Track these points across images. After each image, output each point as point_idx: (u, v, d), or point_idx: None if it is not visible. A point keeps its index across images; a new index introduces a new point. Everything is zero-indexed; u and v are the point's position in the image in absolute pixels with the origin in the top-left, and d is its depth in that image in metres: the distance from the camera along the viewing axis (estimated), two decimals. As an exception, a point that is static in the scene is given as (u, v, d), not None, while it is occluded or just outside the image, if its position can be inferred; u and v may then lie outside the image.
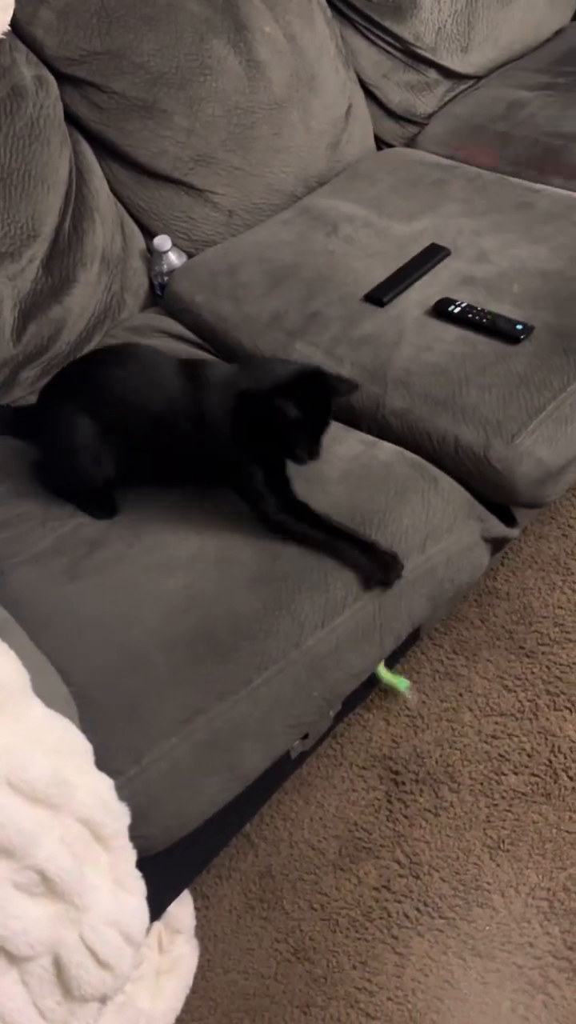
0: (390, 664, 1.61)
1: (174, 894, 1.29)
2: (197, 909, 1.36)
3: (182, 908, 1.32)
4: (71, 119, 1.62)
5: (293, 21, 1.78)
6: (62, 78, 1.59)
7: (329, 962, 1.30)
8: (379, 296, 1.52)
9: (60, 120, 1.58)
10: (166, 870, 1.23)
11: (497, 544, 1.41)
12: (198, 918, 1.36)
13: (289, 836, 1.44)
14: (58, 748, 0.88)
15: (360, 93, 1.95)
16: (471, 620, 1.68)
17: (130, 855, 0.96)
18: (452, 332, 1.45)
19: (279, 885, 1.39)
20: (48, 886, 0.85)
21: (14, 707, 0.85)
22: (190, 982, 1.27)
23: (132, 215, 1.70)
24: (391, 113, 2.01)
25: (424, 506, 1.29)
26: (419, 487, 1.30)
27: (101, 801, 0.91)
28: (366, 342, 1.46)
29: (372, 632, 1.23)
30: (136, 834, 0.98)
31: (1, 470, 1.39)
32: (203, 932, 1.35)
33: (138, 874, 0.97)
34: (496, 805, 1.43)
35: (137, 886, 0.97)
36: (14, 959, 0.85)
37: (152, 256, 1.70)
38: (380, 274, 1.57)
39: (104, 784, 0.93)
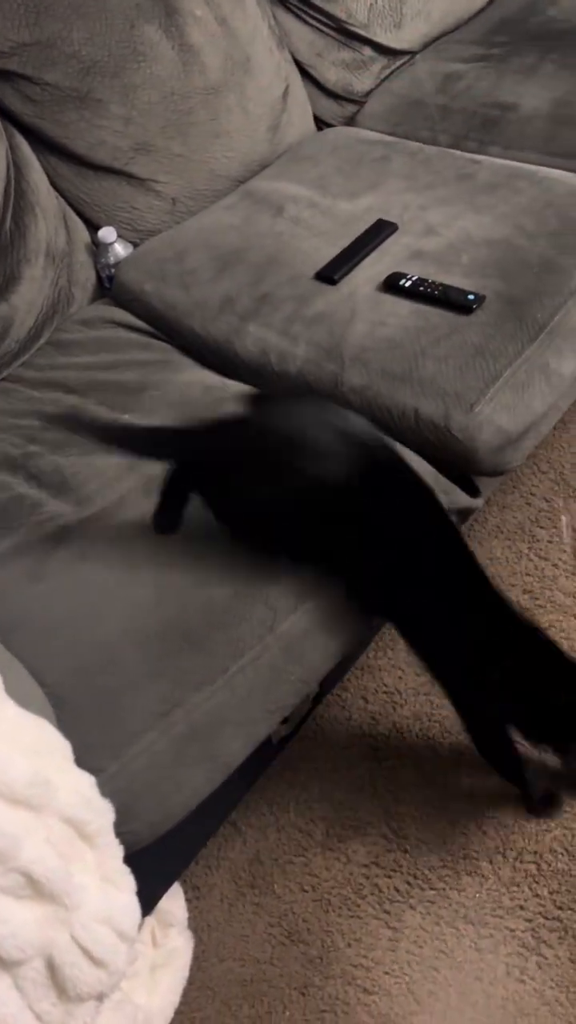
0: (366, 642, 1.61)
1: (164, 888, 1.28)
2: (188, 900, 1.36)
3: (173, 901, 1.31)
4: (5, 113, 1.59)
5: (223, 4, 1.76)
6: (-8, 72, 1.56)
7: (324, 942, 1.30)
8: (330, 274, 1.51)
9: (-8, 115, 1.55)
10: (154, 864, 1.22)
11: (462, 515, 1.42)
12: (190, 909, 1.35)
13: (276, 821, 1.44)
14: (36, 748, 0.87)
15: (296, 74, 1.93)
16: (442, 593, 1.68)
17: (116, 851, 0.95)
18: (405, 306, 1.45)
19: (269, 870, 1.38)
20: (35, 888, 0.84)
21: (-12, 710, 0.83)
22: (186, 974, 1.27)
23: (75, 208, 1.68)
24: (329, 92, 2.00)
25: (388, 482, 1.29)
26: (381, 463, 1.30)
27: (83, 799, 0.90)
28: (319, 320, 1.45)
29: (347, 610, 1.22)
30: (121, 830, 0.97)
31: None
32: (196, 923, 1.34)
33: (126, 870, 0.97)
34: (478, 774, 1.44)
35: (126, 882, 0.96)
36: (5, 964, 0.84)
37: (98, 248, 1.68)
38: (329, 253, 1.56)
39: (86, 781, 0.92)
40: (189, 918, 1.33)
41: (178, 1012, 1.24)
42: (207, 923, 1.35)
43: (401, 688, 1.56)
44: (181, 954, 1.27)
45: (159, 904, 1.27)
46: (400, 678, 1.58)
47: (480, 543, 1.75)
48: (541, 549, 1.74)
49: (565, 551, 1.70)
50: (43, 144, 1.63)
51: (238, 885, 1.38)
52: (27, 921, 0.84)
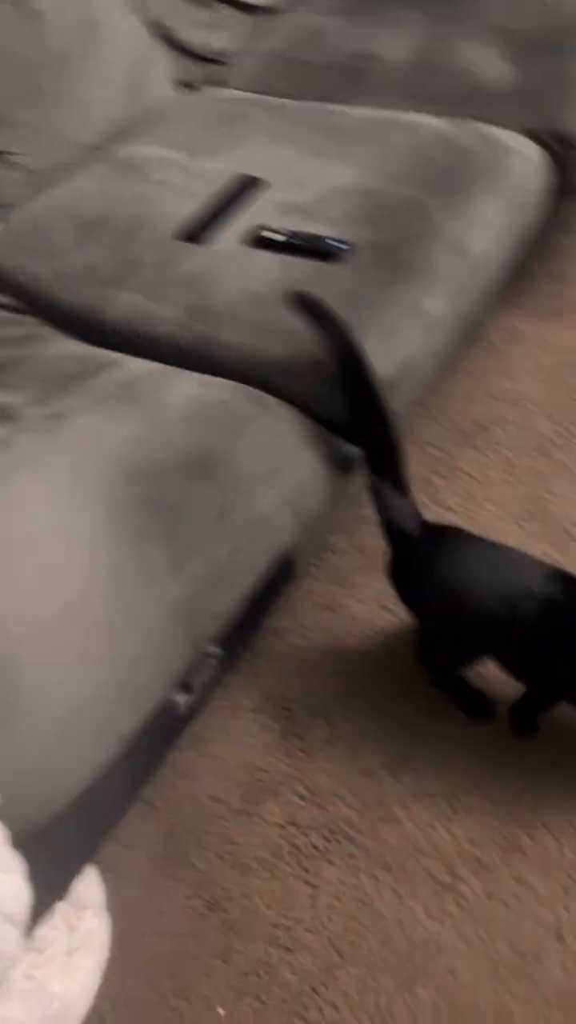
0: (268, 606, 1.59)
1: (76, 870, 1.25)
2: (104, 880, 1.32)
3: (86, 883, 1.28)
4: None
5: (68, -36, 1.70)
6: None
7: (244, 907, 1.29)
8: (195, 233, 1.48)
9: None
10: (62, 847, 1.19)
11: (345, 466, 1.40)
12: (107, 890, 1.31)
13: (190, 793, 1.41)
14: None
15: (153, 36, 1.89)
16: (344, 550, 1.68)
17: (2, 834, 0.92)
18: (273, 260, 1.43)
19: (185, 843, 1.36)
20: None
21: None
22: (105, 955, 1.23)
23: None
24: (189, 53, 1.96)
25: (267, 438, 1.27)
26: (258, 420, 1.28)
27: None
28: (187, 281, 1.42)
29: (229, 570, 1.20)
30: (10, 813, 0.93)
31: None
32: (113, 903, 1.31)
33: (12, 853, 0.93)
34: (386, 723, 1.43)
35: (12, 864, 0.93)
36: None
37: (-45, 229, 1.61)
38: (195, 213, 1.53)
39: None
40: (106, 898, 1.30)
41: (99, 994, 1.20)
42: (124, 902, 1.32)
43: (307, 646, 1.55)
44: (97, 936, 1.23)
45: (71, 889, 1.23)
46: (306, 637, 1.56)
47: (379, 496, 1.74)
48: (440, 497, 1.74)
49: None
50: None
51: (154, 861, 1.35)
52: None
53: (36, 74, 1.65)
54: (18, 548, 1.15)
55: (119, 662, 1.09)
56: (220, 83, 1.95)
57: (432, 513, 1.70)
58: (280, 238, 1.43)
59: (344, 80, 1.85)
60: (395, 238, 1.42)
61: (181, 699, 1.40)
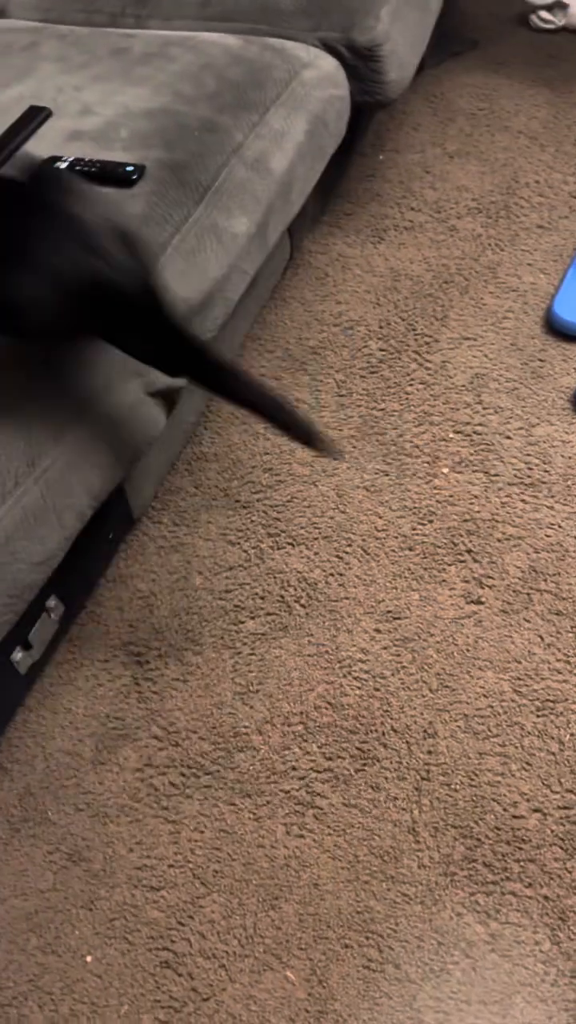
0: (107, 553, 1.55)
1: None
2: (-40, 852, 1.28)
3: None
4: None
5: None
6: None
7: (105, 854, 1.26)
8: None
9: None
10: None
11: (168, 397, 1.36)
12: (-36, 860, 1.28)
13: (42, 751, 1.37)
14: None
15: None
16: (185, 489, 1.65)
17: None
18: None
19: (40, 800, 1.33)
20: None
21: None
22: (-36, 923, 1.20)
23: None
24: (-32, -16, 1.84)
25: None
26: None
27: None
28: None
29: (46, 514, 1.15)
30: None
31: None
32: (-29, 872, 1.27)
33: None
34: (239, 653, 1.42)
35: None
36: None
37: None
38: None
39: None
40: (-36, 869, 1.26)
41: (-37, 964, 1.17)
42: (-17, 869, 1.28)
43: (155, 590, 1.52)
44: (-48, 906, 1.19)
45: None
46: (154, 580, 1.53)
47: (218, 433, 1.72)
48: (276, 425, 1.72)
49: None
50: None
51: (11, 822, 1.31)
52: None
53: None
54: None
55: None
56: (3, 13, 1.84)
57: (271, 443, 1.69)
58: (68, 166, 1.37)
59: (134, 3, 1.77)
60: (188, 157, 1.37)
61: (21, 657, 1.35)
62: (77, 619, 1.50)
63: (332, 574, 1.49)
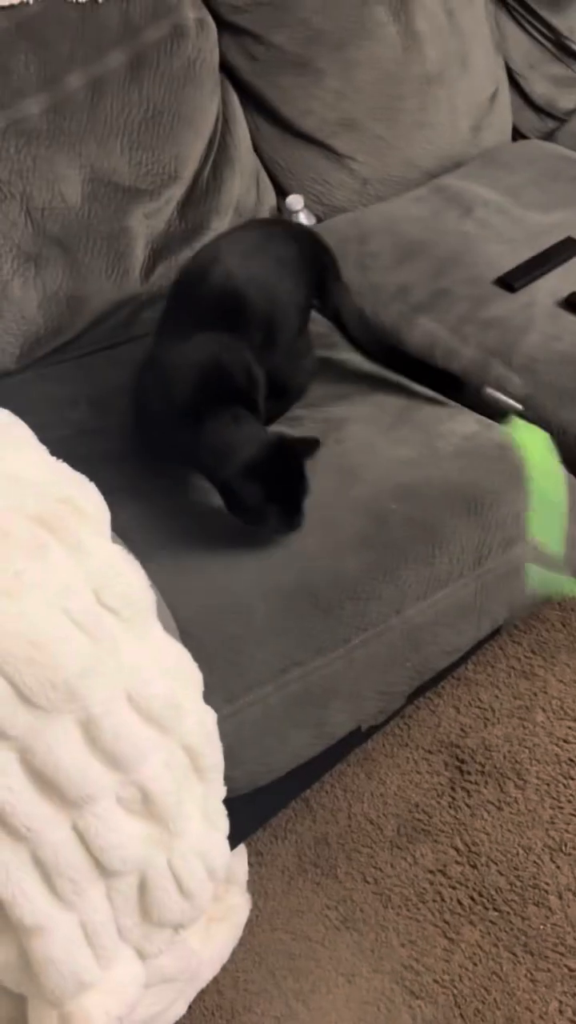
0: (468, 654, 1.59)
1: (233, 845, 1.28)
2: (251, 865, 1.36)
3: (238, 860, 1.31)
4: (224, 67, 1.62)
5: (455, -2, 1.76)
6: (223, 24, 1.59)
7: (378, 936, 1.29)
8: (511, 281, 1.50)
9: (215, 66, 1.58)
10: (232, 820, 1.23)
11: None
12: (251, 874, 1.35)
13: (348, 807, 1.43)
14: (174, 672, 0.88)
15: (506, 80, 1.92)
16: (553, 622, 1.65)
17: (221, 791, 0.96)
18: (585, 327, 1.43)
19: (334, 853, 1.38)
20: (147, 806, 0.85)
21: (141, 625, 0.85)
22: (239, 933, 1.26)
23: (268, 171, 1.70)
24: (532, 104, 1.98)
25: (536, 495, 1.27)
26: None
27: (205, 731, 0.91)
28: (493, 324, 1.44)
29: (471, 611, 1.21)
30: (229, 775, 0.97)
31: (118, 405, 1.40)
32: (254, 888, 1.34)
33: (224, 811, 0.98)
34: (562, 808, 1.40)
35: (223, 823, 0.97)
36: (105, 872, 0.85)
37: (282, 214, 1.69)
38: (512, 260, 1.55)
39: (210, 716, 0.93)
40: (249, 882, 1.34)
41: (224, 968, 1.24)
42: (265, 890, 1.35)
43: (496, 707, 1.54)
44: (238, 912, 1.26)
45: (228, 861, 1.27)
46: (496, 697, 1.55)
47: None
48: None
49: None
50: (253, 103, 1.65)
51: (301, 861, 1.38)
52: (134, 836, 0.85)
53: (399, 90, 1.71)
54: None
55: (352, 665, 1.12)
56: (554, 139, 1.96)
57: None
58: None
59: None
60: None
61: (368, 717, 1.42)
62: (417, 700, 1.55)
63: None
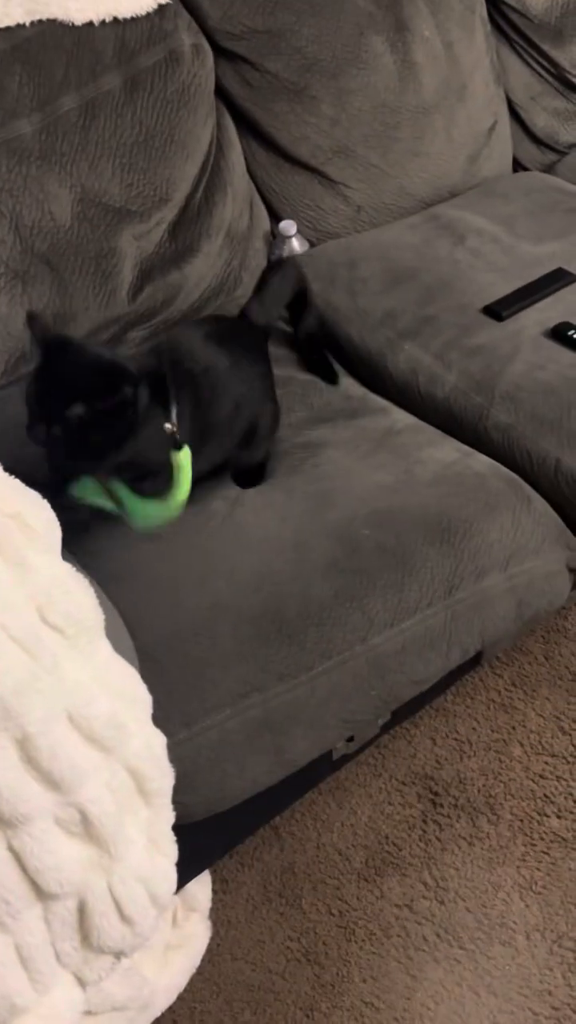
0: (445, 684, 1.57)
1: (195, 871, 1.27)
2: (214, 892, 1.34)
3: (200, 887, 1.30)
4: (220, 92, 1.63)
5: (453, 29, 1.76)
6: (219, 51, 1.60)
7: (339, 970, 1.27)
8: (499, 310, 1.49)
9: (210, 91, 1.59)
10: (192, 845, 1.21)
11: (580, 577, 1.37)
12: (214, 901, 1.33)
13: (317, 837, 1.41)
14: (120, 693, 0.87)
15: (506, 112, 1.93)
16: (535, 655, 1.63)
17: (169, 816, 0.95)
18: (569, 356, 1.41)
19: (300, 883, 1.36)
20: (87, 828, 0.84)
21: (87, 644, 0.84)
22: (197, 962, 1.25)
23: (262, 196, 1.71)
24: (533, 137, 1.98)
25: (513, 524, 1.25)
26: (511, 504, 1.27)
27: (152, 755, 0.90)
28: (478, 352, 1.43)
29: (440, 641, 1.19)
30: (176, 799, 0.96)
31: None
32: (217, 916, 1.33)
33: (173, 837, 0.96)
34: (534, 845, 1.38)
35: (170, 849, 0.95)
36: (42, 894, 0.84)
37: (275, 239, 1.70)
38: (502, 289, 1.54)
39: (158, 739, 0.92)
40: (212, 909, 1.32)
41: (180, 997, 1.22)
42: (228, 919, 1.33)
43: (473, 739, 1.52)
44: (198, 941, 1.25)
45: (186, 887, 1.25)
46: (474, 729, 1.53)
47: (585, 615, 1.69)
48: None
49: None
50: (248, 128, 1.66)
51: (266, 890, 1.36)
52: (72, 858, 0.84)
53: (395, 119, 1.71)
54: (239, 550, 1.19)
55: (315, 693, 1.10)
56: (554, 171, 1.96)
57: None
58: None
59: None
60: None
61: (340, 747, 1.40)
62: (392, 730, 1.53)
63: None
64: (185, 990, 1.23)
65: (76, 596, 0.85)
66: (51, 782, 0.80)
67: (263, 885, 1.36)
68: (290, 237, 1.68)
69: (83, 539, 1.19)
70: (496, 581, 1.23)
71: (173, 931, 1.24)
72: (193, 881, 1.27)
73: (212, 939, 1.30)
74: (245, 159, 1.67)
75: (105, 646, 0.88)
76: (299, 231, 1.69)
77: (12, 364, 1.47)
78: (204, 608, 1.13)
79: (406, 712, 1.54)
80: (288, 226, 1.67)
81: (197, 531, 1.23)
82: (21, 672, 0.76)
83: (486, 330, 1.48)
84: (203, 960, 1.27)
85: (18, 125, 1.44)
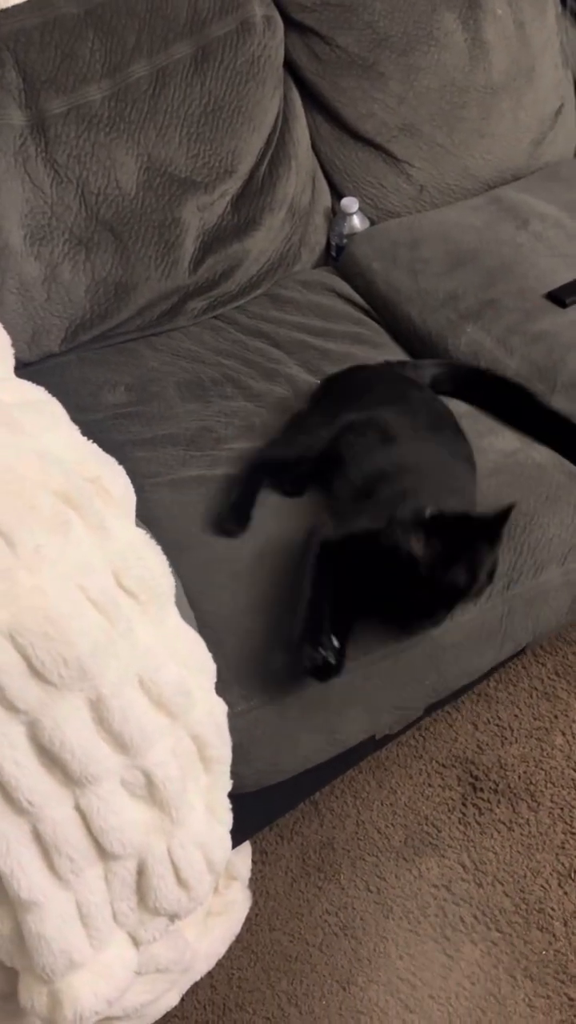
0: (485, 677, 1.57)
1: (239, 841, 1.28)
2: (254, 863, 1.35)
3: (241, 857, 1.31)
4: (288, 65, 1.62)
5: (526, 9, 1.74)
6: (290, 23, 1.59)
7: (376, 946, 1.28)
8: (562, 296, 1.48)
9: (279, 63, 1.58)
10: (237, 815, 1.22)
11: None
12: (254, 872, 1.34)
13: (357, 814, 1.42)
14: (187, 661, 0.88)
15: (572, 96, 1.89)
16: (578, 645, 1.63)
17: (226, 783, 0.96)
18: None
19: (339, 859, 1.37)
20: (151, 791, 0.85)
21: (158, 610, 0.85)
22: (237, 930, 1.26)
23: (325, 172, 1.69)
24: (599, 121, 1.95)
25: (573, 518, 1.24)
26: (571, 498, 1.26)
27: (215, 723, 0.91)
28: (541, 339, 1.42)
29: (496, 634, 1.19)
30: (232, 769, 0.97)
31: (155, 392, 1.40)
32: (256, 887, 1.34)
33: (229, 804, 0.97)
34: (574, 833, 1.38)
35: (226, 816, 0.96)
36: (104, 854, 0.85)
37: (336, 216, 1.69)
38: (565, 276, 1.52)
39: (220, 707, 0.92)
40: (251, 879, 1.33)
41: (219, 964, 1.23)
42: (267, 890, 1.35)
43: (514, 726, 1.52)
44: (238, 908, 1.26)
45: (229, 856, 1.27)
46: (516, 716, 1.53)
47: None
48: None
49: None
50: (314, 102, 1.65)
51: (305, 863, 1.37)
52: (135, 821, 0.85)
53: (462, 99, 1.69)
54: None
55: (372, 678, 1.11)
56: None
57: None
58: None
59: None
60: None
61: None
62: (434, 714, 1.53)
63: None
64: (224, 957, 1.24)
65: (150, 562, 0.85)
66: (120, 744, 0.81)
67: (302, 858, 1.37)
68: (351, 214, 1.67)
69: (145, 506, 1.19)
70: (553, 576, 1.22)
71: (215, 898, 1.25)
72: (234, 851, 1.28)
73: (251, 909, 1.31)
74: (310, 133, 1.66)
75: (174, 613, 0.89)
76: (360, 208, 1.68)
77: (73, 331, 1.47)
78: (264, 584, 1.14)
79: (449, 697, 1.54)
80: (350, 203, 1.66)
81: (259, 504, 1.23)
82: (98, 634, 0.77)
83: (549, 316, 1.46)
84: (242, 929, 1.28)
85: (88, 91, 1.44)
